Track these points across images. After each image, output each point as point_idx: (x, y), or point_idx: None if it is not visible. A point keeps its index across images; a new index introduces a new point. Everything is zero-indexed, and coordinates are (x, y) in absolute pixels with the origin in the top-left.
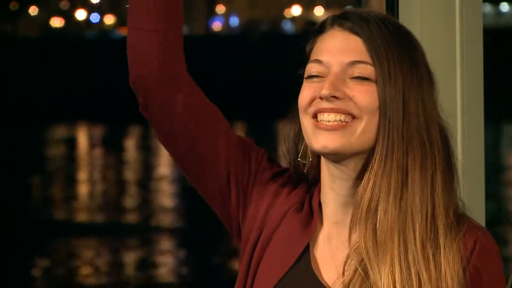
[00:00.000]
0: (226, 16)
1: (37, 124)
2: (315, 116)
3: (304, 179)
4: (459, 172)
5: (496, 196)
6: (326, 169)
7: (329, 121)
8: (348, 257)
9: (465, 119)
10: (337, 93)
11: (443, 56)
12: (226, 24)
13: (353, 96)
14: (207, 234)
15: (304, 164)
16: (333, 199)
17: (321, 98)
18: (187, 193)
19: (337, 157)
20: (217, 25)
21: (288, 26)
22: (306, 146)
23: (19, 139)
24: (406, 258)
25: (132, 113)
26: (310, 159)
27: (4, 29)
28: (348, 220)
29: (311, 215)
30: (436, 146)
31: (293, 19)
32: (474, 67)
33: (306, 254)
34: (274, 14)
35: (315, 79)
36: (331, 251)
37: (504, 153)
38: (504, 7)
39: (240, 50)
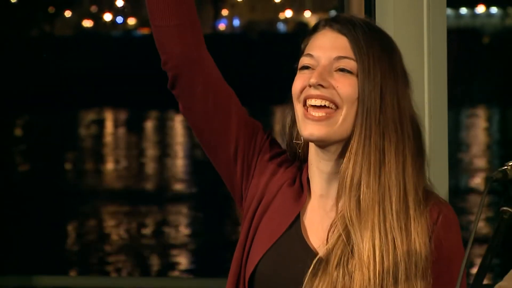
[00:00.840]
0: (230, 18)
1: (71, 109)
2: (305, 103)
3: (297, 158)
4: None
5: (458, 171)
6: (313, 152)
7: (315, 106)
8: (332, 225)
9: (431, 107)
10: (323, 82)
11: (413, 52)
12: (229, 25)
13: (337, 87)
14: (217, 201)
15: (297, 145)
16: (319, 176)
17: (310, 86)
18: (196, 166)
19: (322, 143)
20: (222, 26)
21: (281, 27)
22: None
23: (57, 121)
24: (384, 225)
25: (151, 99)
26: (301, 142)
27: (43, 29)
28: (332, 193)
29: (301, 189)
30: (407, 134)
31: (286, 20)
32: (439, 62)
33: (297, 222)
34: (270, 16)
35: (306, 70)
36: (318, 220)
37: (464, 135)
38: (463, 10)
39: (241, 47)
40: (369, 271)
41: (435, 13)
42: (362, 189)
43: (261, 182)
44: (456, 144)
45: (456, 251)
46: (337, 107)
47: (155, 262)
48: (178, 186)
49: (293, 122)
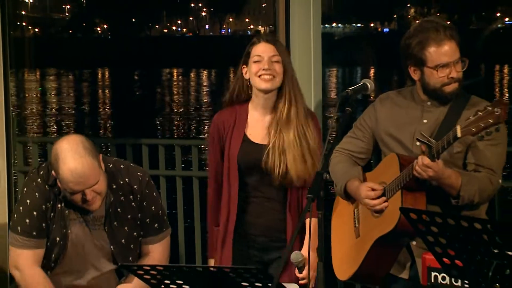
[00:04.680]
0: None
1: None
2: (259, 76)
3: (235, 103)
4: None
5: None
6: (261, 97)
7: (265, 77)
8: (270, 127)
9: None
10: (269, 67)
11: (305, 59)
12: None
13: (275, 69)
14: None
15: (245, 93)
16: (261, 108)
17: (263, 69)
18: None
19: (267, 93)
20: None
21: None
22: (250, 86)
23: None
24: (300, 125)
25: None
26: (251, 92)
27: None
28: (268, 112)
29: (246, 116)
30: (298, 85)
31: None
32: (314, 60)
33: (245, 134)
34: (243, 28)
35: (258, 62)
36: (259, 127)
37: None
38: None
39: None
40: (294, 150)
41: (316, 31)
42: (292, 109)
43: (225, 129)
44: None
45: (318, 140)
46: (274, 76)
47: None
48: None
49: (242, 82)
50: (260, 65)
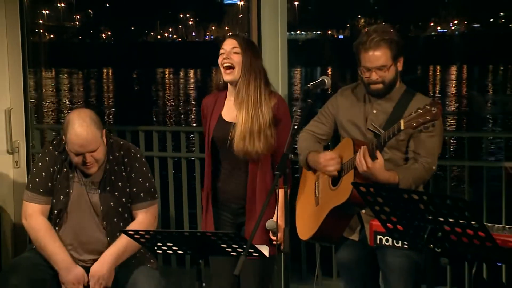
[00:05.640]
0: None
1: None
2: (222, 66)
3: (225, 88)
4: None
5: None
6: (230, 85)
7: (226, 68)
8: (240, 108)
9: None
10: (229, 57)
11: (274, 60)
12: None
13: (233, 59)
14: None
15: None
16: (232, 93)
17: (224, 59)
18: None
19: (232, 83)
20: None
21: None
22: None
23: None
24: (252, 105)
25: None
26: (222, 82)
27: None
28: (234, 96)
29: (224, 100)
30: (259, 72)
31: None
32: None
33: (221, 114)
34: (223, 35)
35: (222, 54)
36: (231, 108)
37: None
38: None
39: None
40: (243, 127)
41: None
42: (240, 91)
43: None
44: None
45: (285, 120)
46: (233, 65)
47: None
48: None
49: (219, 74)
50: (223, 56)
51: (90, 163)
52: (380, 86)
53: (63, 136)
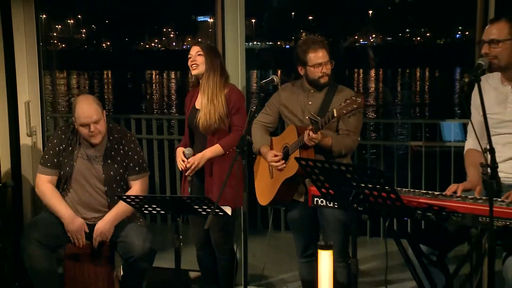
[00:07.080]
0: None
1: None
2: (191, 66)
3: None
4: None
5: None
6: (200, 80)
7: (192, 66)
8: (203, 96)
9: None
10: (195, 59)
11: (235, 65)
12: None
13: (197, 60)
14: None
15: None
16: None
17: (190, 61)
18: None
19: (198, 76)
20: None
21: None
22: None
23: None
24: (210, 93)
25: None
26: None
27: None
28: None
29: (198, 94)
30: (219, 70)
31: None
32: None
33: (195, 103)
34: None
35: (189, 58)
36: (200, 100)
37: None
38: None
39: None
40: (204, 111)
41: (232, 45)
42: (202, 83)
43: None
44: None
45: (238, 103)
46: (198, 65)
47: None
48: None
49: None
50: (191, 59)
51: (94, 132)
52: (327, 78)
53: (72, 118)
